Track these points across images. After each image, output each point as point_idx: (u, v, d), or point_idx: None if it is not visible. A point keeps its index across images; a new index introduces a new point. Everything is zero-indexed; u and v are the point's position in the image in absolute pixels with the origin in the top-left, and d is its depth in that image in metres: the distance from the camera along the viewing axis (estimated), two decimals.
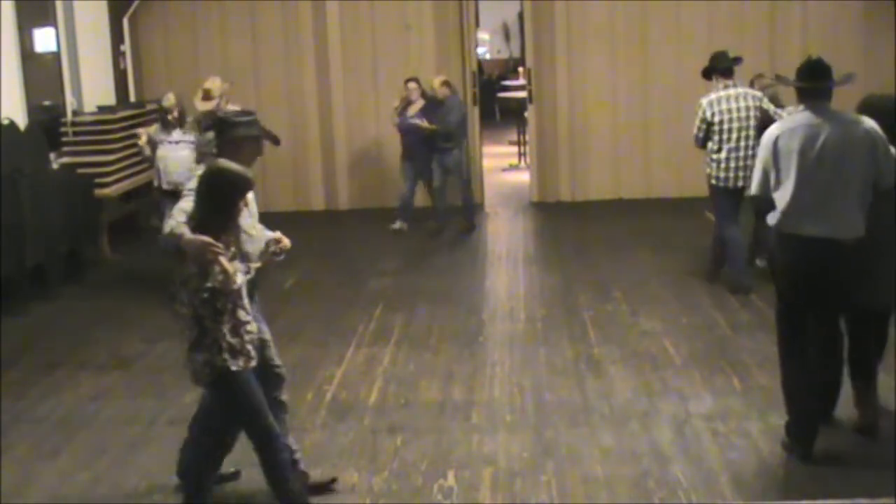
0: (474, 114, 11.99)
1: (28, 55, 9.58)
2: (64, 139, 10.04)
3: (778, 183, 5.00)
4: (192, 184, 4.53)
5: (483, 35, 20.59)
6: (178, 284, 4.33)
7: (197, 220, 4.24)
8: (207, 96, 8.08)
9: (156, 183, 8.38)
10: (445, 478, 4.99)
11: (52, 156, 9.67)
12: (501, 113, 19.02)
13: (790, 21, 11.57)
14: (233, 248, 4.30)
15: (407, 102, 10.46)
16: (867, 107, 5.16)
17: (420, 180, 10.66)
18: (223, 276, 4.15)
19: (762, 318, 7.33)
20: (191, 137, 8.09)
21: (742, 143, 7.82)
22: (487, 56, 21.41)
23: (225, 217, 4.26)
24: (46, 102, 9.97)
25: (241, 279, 4.29)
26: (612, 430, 5.50)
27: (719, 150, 7.86)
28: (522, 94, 13.15)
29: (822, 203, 4.89)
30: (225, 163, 4.36)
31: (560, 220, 11.25)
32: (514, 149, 15.51)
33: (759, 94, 8.04)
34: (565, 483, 4.92)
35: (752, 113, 7.85)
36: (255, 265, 4.61)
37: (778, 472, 4.93)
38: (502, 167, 14.88)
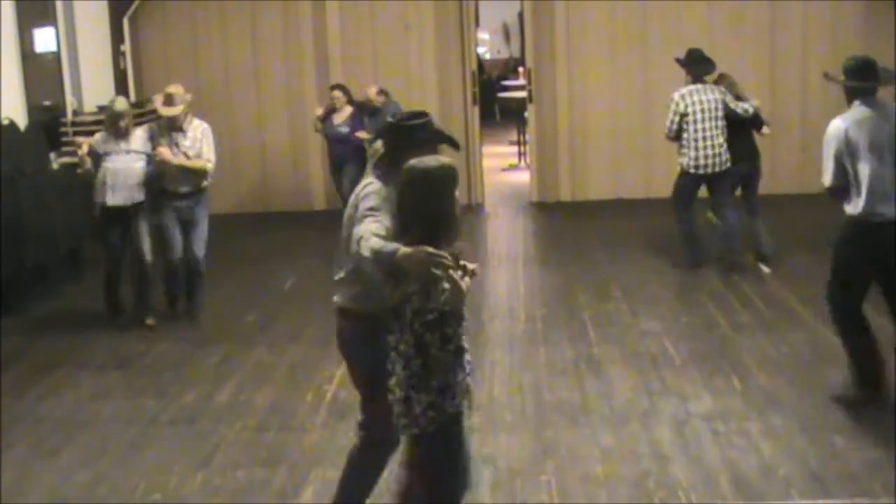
0: (474, 114, 12.01)
1: (28, 55, 9.58)
2: (64, 139, 10.04)
3: (854, 173, 5.39)
4: (371, 202, 3.92)
5: (483, 35, 20.59)
6: (389, 311, 3.69)
7: (408, 235, 3.59)
8: (170, 101, 7.38)
9: (98, 200, 7.43)
10: None
11: (52, 156, 9.67)
12: (501, 113, 19.03)
13: (790, 21, 11.57)
14: (463, 262, 3.65)
15: (331, 110, 10.21)
16: None
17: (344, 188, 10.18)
18: (455, 294, 3.54)
19: (762, 318, 7.34)
20: (143, 148, 7.38)
21: (711, 133, 8.41)
22: (487, 56, 21.40)
23: (441, 222, 3.63)
24: (46, 102, 9.98)
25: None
26: (612, 430, 5.50)
27: (696, 140, 8.39)
28: (522, 94, 13.15)
29: (892, 187, 5.36)
30: (421, 160, 3.69)
31: (560, 220, 11.25)
32: (514, 149, 15.51)
33: (723, 89, 8.58)
34: (565, 483, 4.92)
35: (719, 105, 8.43)
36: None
37: (778, 472, 4.93)
38: (502, 167, 14.88)
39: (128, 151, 7.39)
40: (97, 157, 7.41)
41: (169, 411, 6.04)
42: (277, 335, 7.47)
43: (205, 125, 7.60)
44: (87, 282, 9.20)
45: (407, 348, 3.66)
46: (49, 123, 9.83)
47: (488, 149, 14.40)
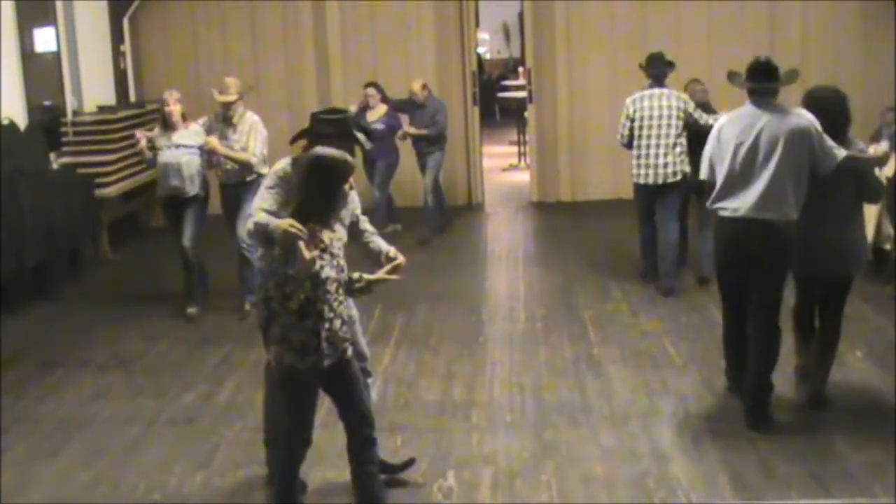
0: (474, 114, 12.01)
1: (28, 55, 9.57)
2: (64, 139, 10.03)
3: (718, 166, 5.52)
4: (269, 181, 4.62)
5: (483, 35, 20.58)
6: (263, 276, 4.35)
7: (295, 209, 4.18)
8: (225, 90, 7.64)
9: (157, 190, 8.03)
10: (445, 478, 5.00)
11: (52, 156, 9.66)
12: (501, 113, 19.03)
13: (790, 21, 11.57)
14: (324, 237, 4.19)
15: (364, 108, 10.21)
16: (812, 99, 5.56)
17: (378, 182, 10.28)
18: (297, 261, 4.07)
19: None
20: (192, 141, 7.66)
21: (661, 142, 7.93)
22: (487, 56, 21.40)
23: (325, 205, 4.18)
24: (46, 102, 9.97)
25: (328, 272, 4.19)
26: (612, 430, 5.51)
27: (638, 146, 8.00)
28: (522, 94, 13.15)
29: (752, 185, 5.34)
30: (323, 149, 4.28)
31: (560, 220, 11.25)
32: (514, 149, 15.51)
33: (685, 96, 8.11)
34: (565, 483, 4.92)
35: (674, 112, 7.92)
36: (369, 277, 4.45)
37: (778, 472, 4.93)
38: (502, 167, 14.88)
39: (177, 146, 7.63)
40: (155, 150, 7.73)
41: (169, 411, 6.05)
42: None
43: (255, 119, 7.74)
44: (87, 282, 9.23)
45: (263, 304, 4.28)
46: (49, 123, 9.82)
47: (488, 149, 14.40)
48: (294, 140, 4.86)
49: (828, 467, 4.95)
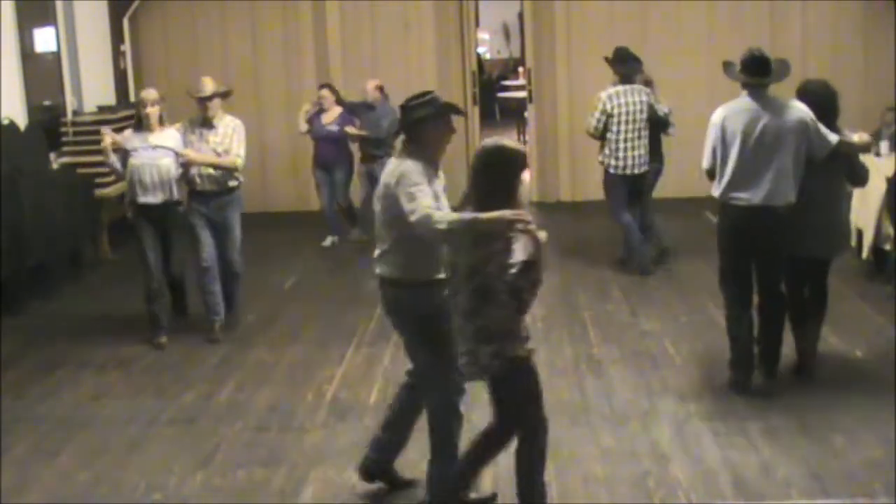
0: (474, 114, 12.01)
1: (28, 55, 9.58)
2: (64, 139, 10.04)
3: (723, 158, 5.76)
4: (413, 178, 4.23)
5: (483, 35, 20.58)
6: (468, 270, 4.11)
7: (477, 201, 4.14)
8: (201, 87, 7.16)
9: (129, 198, 7.23)
10: None
11: (52, 156, 9.67)
12: (501, 113, 19.03)
13: (790, 21, 11.57)
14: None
15: (319, 109, 9.91)
16: (805, 92, 5.90)
17: (335, 190, 10.01)
18: (537, 245, 4.00)
19: None
20: (170, 143, 7.07)
21: (635, 134, 8.47)
22: (487, 56, 21.41)
23: (505, 195, 4.15)
24: (46, 102, 9.98)
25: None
26: (612, 430, 5.51)
27: (617, 140, 8.45)
28: (522, 94, 13.15)
29: (759, 176, 5.64)
30: (500, 140, 4.32)
31: (560, 220, 11.24)
32: None
33: (648, 90, 8.64)
34: (565, 483, 4.92)
35: (644, 107, 8.49)
36: None
37: (778, 472, 4.93)
38: None
39: (154, 147, 7.05)
40: (125, 153, 7.10)
41: (169, 411, 6.05)
42: (277, 335, 7.47)
43: (237, 122, 7.33)
44: (87, 282, 9.23)
45: (473, 302, 4.10)
46: (49, 123, 9.83)
47: None
48: (405, 144, 4.55)
49: (828, 467, 4.95)
